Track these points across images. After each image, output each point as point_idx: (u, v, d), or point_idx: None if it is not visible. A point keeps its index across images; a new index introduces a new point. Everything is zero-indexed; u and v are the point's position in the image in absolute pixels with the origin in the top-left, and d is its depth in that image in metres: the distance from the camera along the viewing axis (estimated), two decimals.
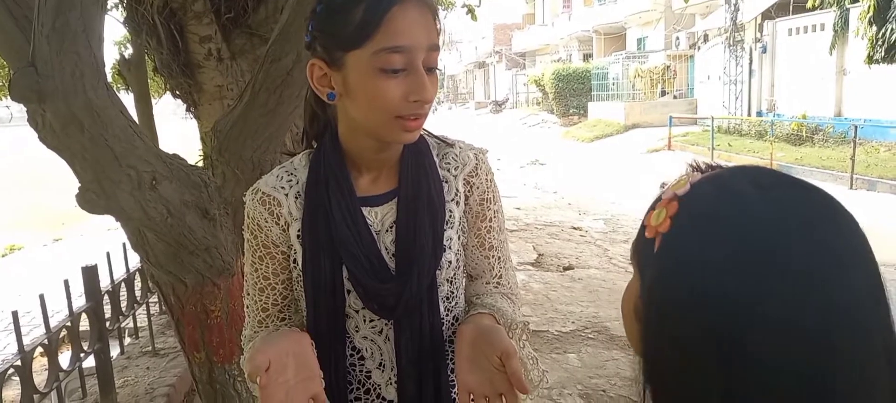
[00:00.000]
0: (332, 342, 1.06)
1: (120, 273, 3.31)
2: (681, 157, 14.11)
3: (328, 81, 0.99)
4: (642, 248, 0.57)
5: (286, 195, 1.07)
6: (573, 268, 5.97)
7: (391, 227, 1.06)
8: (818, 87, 14.38)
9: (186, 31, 3.33)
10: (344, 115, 1.03)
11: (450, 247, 1.09)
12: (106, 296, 3.04)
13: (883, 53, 10.60)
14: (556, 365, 3.86)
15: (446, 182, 1.10)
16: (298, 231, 1.05)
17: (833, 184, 9.86)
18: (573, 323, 4.56)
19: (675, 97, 20.57)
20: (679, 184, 0.56)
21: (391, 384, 1.08)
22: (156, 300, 4.27)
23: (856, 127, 9.92)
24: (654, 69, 21.04)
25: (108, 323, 3.05)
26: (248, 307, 1.14)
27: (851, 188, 9.43)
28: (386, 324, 1.07)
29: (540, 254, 6.51)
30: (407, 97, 0.93)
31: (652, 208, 0.58)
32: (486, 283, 1.17)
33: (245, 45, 3.54)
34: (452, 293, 1.13)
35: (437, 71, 1.00)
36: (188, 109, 3.66)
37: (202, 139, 3.56)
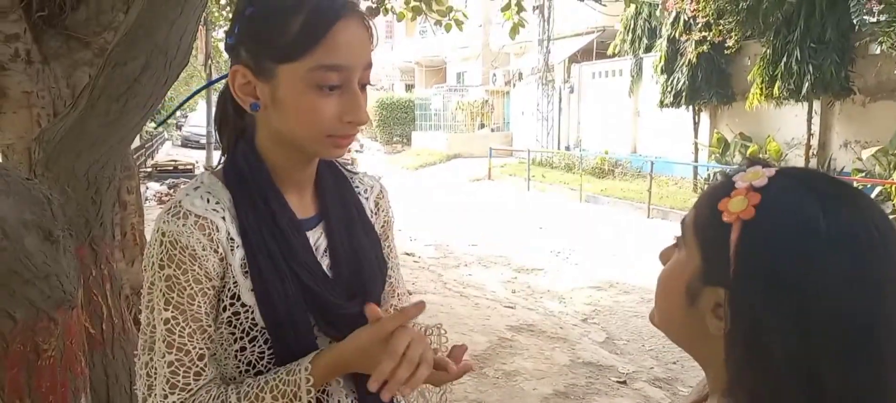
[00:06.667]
0: None
1: None
2: (500, 187, 14.88)
3: (252, 90, 0.90)
4: (710, 230, 0.64)
5: (223, 218, 0.91)
6: (411, 294, 5.99)
7: (325, 252, 0.99)
8: (618, 127, 15.97)
9: None
10: (266, 125, 0.94)
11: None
12: None
13: (671, 98, 12.14)
14: None
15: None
16: (242, 258, 0.91)
17: (633, 213, 10.93)
18: None
19: (492, 130, 21.72)
20: (753, 175, 0.62)
21: None
22: None
23: (652, 163, 11.14)
24: (473, 103, 22.10)
25: None
26: (170, 363, 0.88)
27: (648, 217, 10.52)
28: None
29: None
30: (341, 117, 0.89)
31: (720, 195, 0.63)
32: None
33: (60, 47, 3.12)
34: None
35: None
36: None
37: (3, 152, 3.07)
